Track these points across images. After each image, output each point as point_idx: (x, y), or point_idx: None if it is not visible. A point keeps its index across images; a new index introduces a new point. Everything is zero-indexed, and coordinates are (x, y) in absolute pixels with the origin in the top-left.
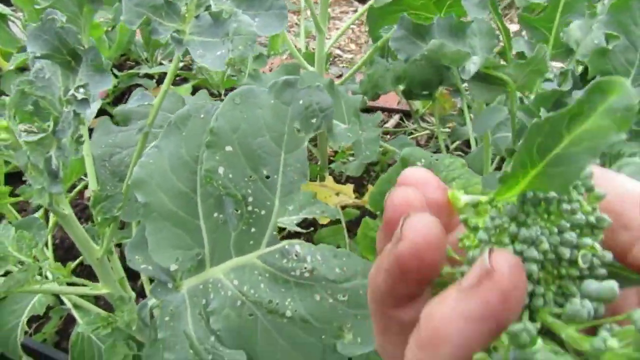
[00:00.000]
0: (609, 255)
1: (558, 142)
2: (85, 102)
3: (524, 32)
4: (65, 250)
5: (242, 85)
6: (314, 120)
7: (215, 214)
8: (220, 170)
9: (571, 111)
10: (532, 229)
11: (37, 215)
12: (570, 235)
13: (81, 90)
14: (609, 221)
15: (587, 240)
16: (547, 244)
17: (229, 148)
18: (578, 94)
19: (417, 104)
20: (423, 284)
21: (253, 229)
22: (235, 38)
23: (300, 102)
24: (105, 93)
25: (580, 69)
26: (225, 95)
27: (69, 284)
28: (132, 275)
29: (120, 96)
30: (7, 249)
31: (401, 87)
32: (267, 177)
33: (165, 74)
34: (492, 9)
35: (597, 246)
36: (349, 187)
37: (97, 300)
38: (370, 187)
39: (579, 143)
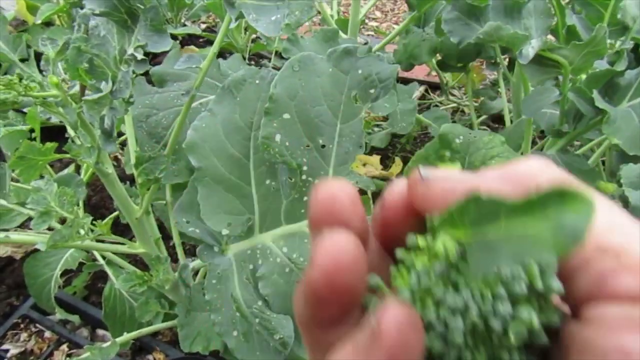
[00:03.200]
0: (544, 339)
1: (490, 224)
2: (144, 62)
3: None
4: (91, 208)
5: (273, 50)
6: (372, 91)
7: (268, 181)
8: (277, 137)
9: (516, 205)
10: (462, 293)
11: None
12: (504, 307)
13: (140, 50)
14: (558, 289)
15: (524, 314)
16: (475, 315)
17: (286, 115)
18: (631, 74)
19: (447, 76)
20: (344, 308)
21: (305, 198)
22: (292, 3)
23: (359, 71)
24: None
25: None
26: (251, 59)
27: (102, 241)
28: (164, 237)
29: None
30: (50, 204)
31: (436, 59)
32: (323, 146)
33: (190, 35)
34: None
35: (535, 322)
36: (376, 158)
37: (128, 258)
38: (396, 159)
39: (507, 241)
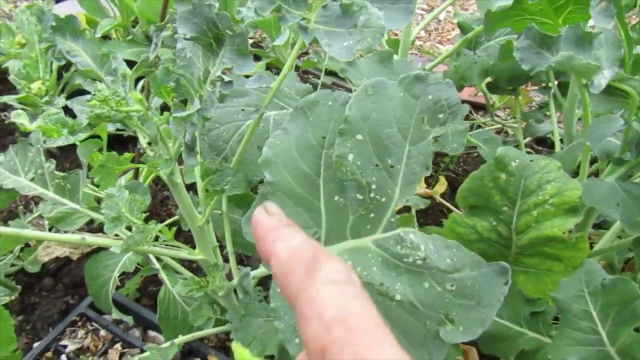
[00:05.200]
0: None
1: None
2: (230, 84)
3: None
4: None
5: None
6: (441, 116)
7: (336, 197)
8: (350, 157)
9: None
10: None
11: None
12: None
13: (226, 72)
14: None
15: None
16: None
17: (359, 136)
18: None
19: (494, 98)
20: None
21: (372, 215)
22: (364, 30)
23: (430, 97)
24: None
25: None
26: (300, 75)
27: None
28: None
29: None
30: (121, 210)
31: (486, 81)
32: (391, 166)
33: None
34: (618, 19)
35: None
36: None
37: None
38: (440, 178)
39: None
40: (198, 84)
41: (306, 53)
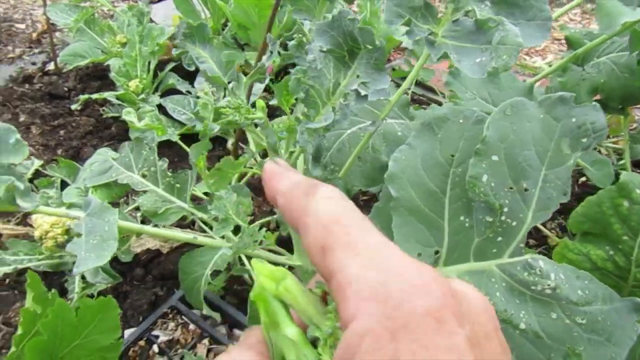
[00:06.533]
0: None
1: None
2: (365, 98)
3: None
4: None
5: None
6: (584, 140)
7: (462, 217)
8: (484, 178)
9: None
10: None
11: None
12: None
13: (362, 86)
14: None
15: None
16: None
17: (495, 157)
18: None
19: None
20: None
21: (499, 238)
22: (499, 47)
23: (573, 119)
24: (270, 69)
25: None
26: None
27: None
28: None
29: (278, 73)
30: (228, 212)
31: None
32: (526, 189)
33: None
34: None
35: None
36: None
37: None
38: None
39: None
40: (326, 95)
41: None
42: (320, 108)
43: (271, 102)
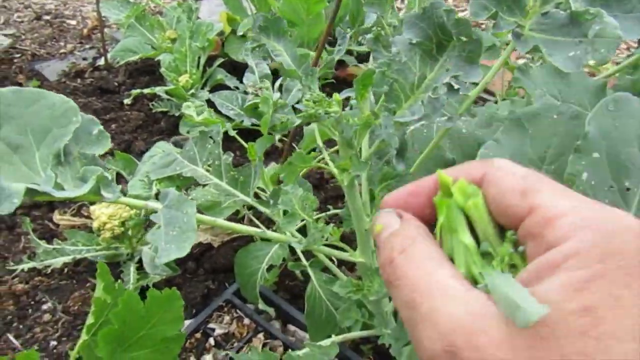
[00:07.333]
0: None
1: None
2: (457, 91)
3: None
4: None
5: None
6: None
7: None
8: (584, 175)
9: None
10: None
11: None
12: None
13: (454, 79)
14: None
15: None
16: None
17: (596, 154)
18: None
19: None
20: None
21: None
22: (596, 40)
23: None
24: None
25: None
26: None
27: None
28: None
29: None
30: (294, 207)
31: None
32: (627, 189)
33: (363, 53)
34: None
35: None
36: None
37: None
38: None
39: None
40: (410, 89)
41: None
42: (402, 102)
43: None
